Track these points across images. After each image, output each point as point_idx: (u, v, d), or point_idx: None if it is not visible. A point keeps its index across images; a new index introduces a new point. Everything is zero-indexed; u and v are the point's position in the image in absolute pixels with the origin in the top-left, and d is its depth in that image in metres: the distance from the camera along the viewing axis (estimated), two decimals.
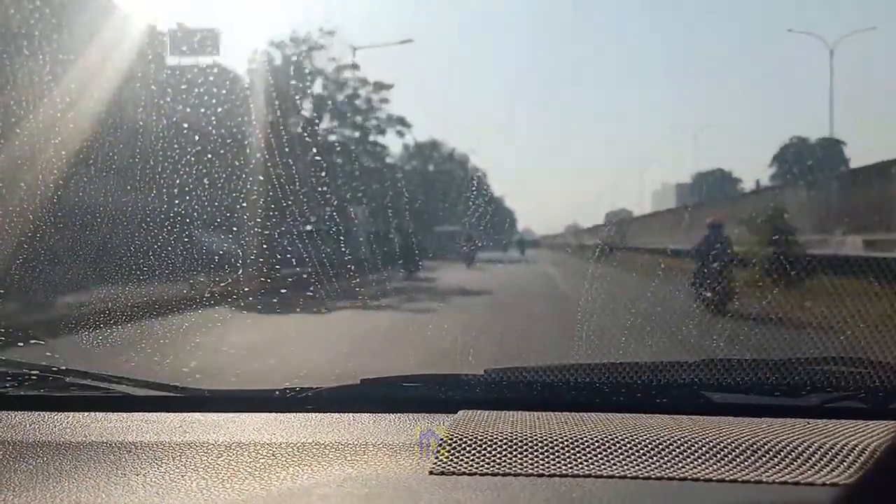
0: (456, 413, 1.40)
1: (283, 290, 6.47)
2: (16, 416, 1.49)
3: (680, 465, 1.12)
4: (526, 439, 1.22)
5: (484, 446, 1.20)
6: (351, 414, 1.48)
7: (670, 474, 1.09)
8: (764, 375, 1.56)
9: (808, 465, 1.09)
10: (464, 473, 1.11)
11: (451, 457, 1.17)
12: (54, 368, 1.69)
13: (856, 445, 1.13)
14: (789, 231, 11.71)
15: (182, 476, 1.17)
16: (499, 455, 1.17)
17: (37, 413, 1.50)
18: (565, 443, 1.20)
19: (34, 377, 1.67)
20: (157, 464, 1.22)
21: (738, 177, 64.04)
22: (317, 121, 24.20)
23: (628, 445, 1.18)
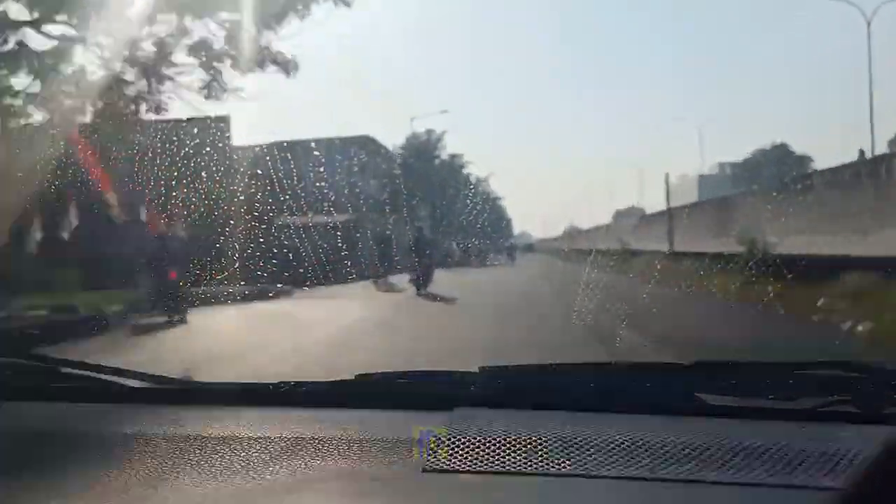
0: (451, 411, 1.40)
1: None
2: (10, 406, 1.48)
3: (672, 466, 1.12)
4: (520, 438, 1.22)
5: (478, 444, 1.20)
6: (346, 410, 1.48)
7: (663, 476, 1.09)
8: (758, 378, 1.56)
9: (801, 468, 1.10)
10: (458, 471, 1.11)
11: (445, 454, 1.17)
12: (49, 359, 1.69)
13: (849, 450, 1.13)
14: None
15: (176, 469, 1.17)
16: (493, 453, 1.17)
17: (31, 403, 1.50)
18: (559, 442, 1.20)
19: (29, 368, 1.67)
20: (151, 456, 1.22)
21: (805, 153, 52.58)
22: None
23: (622, 446, 1.18)
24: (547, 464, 1.13)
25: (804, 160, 50.50)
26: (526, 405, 1.45)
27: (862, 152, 12.66)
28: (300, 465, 1.19)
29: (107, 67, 11.29)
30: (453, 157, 38.58)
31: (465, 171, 39.01)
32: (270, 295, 10.63)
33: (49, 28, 11.21)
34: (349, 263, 12.50)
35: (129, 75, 11.69)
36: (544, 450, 1.18)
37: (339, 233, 12.54)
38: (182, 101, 12.05)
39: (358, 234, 13.89)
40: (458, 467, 1.13)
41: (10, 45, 10.73)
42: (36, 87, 10.52)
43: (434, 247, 12.88)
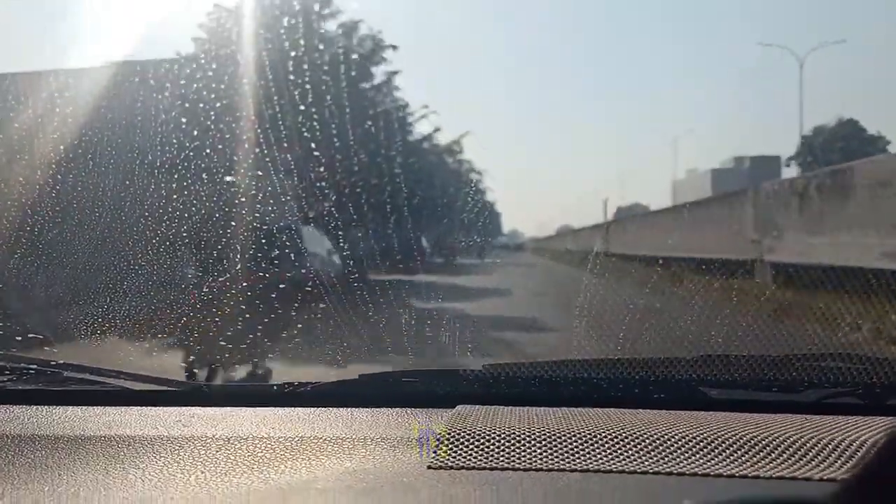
0: (454, 408, 1.41)
1: None
2: (14, 409, 1.49)
3: (677, 460, 1.12)
4: (524, 434, 1.22)
5: (482, 441, 1.20)
6: (349, 409, 1.48)
7: (668, 469, 1.09)
8: (761, 371, 1.56)
9: (805, 460, 1.10)
10: (462, 468, 1.12)
11: (449, 452, 1.17)
12: (52, 362, 1.69)
13: (853, 441, 1.13)
14: None
15: (180, 470, 1.17)
16: (497, 450, 1.17)
17: (35, 407, 1.50)
18: (563, 438, 1.20)
19: (32, 371, 1.67)
20: (155, 458, 1.22)
21: (876, 132, 40.18)
22: None
23: (626, 441, 1.18)
24: (551, 459, 1.13)
25: (878, 141, 39.02)
26: (529, 401, 1.45)
27: None
28: (305, 464, 1.19)
29: None
30: (352, 26, 16.51)
31: (385, 70, 17.73)
32: None
33: None
34: None
35: None
36: (548, 446, 1.18)
37: None
38: None
39: None
40: (463, 464, 1.13)
41: None
42: None
43: (318, 258, 5.67)
